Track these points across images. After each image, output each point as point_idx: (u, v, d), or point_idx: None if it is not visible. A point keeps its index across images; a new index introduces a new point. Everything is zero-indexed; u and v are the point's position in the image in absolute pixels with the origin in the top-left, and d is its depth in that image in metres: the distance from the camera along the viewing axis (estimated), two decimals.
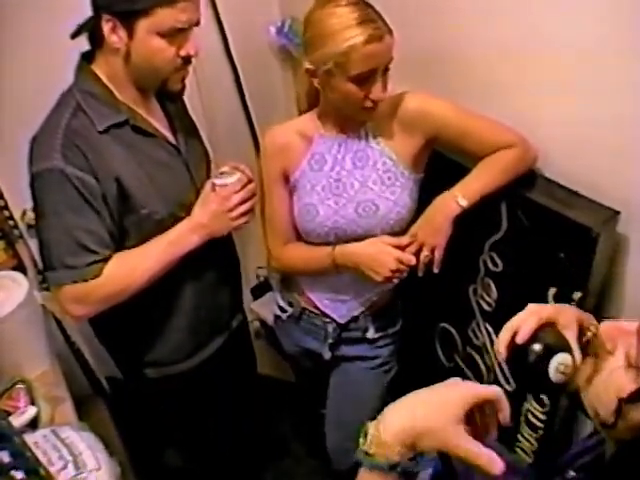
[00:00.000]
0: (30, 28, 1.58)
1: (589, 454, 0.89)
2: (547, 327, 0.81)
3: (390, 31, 1.21)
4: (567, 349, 0.78)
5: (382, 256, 1.32)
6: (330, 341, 1.58)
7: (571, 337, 0.81)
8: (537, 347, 0.78)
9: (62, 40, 1.26)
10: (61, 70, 1.28)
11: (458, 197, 1.29)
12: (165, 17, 1.18)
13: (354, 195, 1.37)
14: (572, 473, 0.88)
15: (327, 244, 1.41)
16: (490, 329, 1.54)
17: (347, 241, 1.39)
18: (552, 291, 1.31)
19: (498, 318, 1.50)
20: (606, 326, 0.78)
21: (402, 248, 1.34)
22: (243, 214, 1.38)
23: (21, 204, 1.72)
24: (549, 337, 0.80)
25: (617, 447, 0.76)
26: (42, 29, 1.51)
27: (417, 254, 1.34)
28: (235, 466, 1.88)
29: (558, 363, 0.76)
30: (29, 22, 1.58)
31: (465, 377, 1.71)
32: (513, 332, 0.82)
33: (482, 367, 1.62)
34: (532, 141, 1.30)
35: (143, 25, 1.19)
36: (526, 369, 0.80)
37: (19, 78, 1.59)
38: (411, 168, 1.37)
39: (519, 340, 0.80)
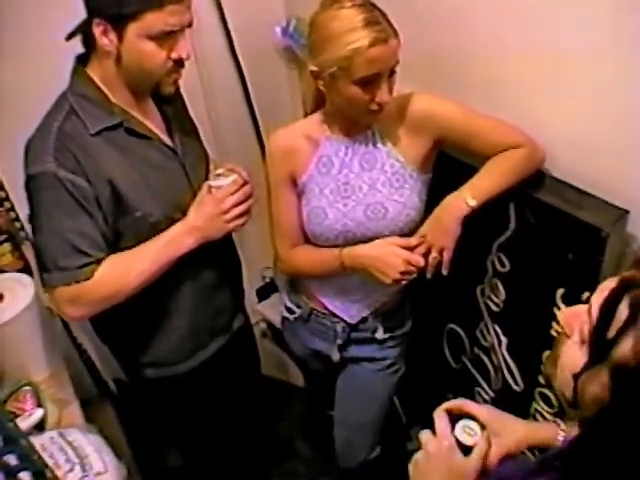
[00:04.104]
0: (31, 29, 1.57)
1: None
2: None
3: (396, 33, 1.19)
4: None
5: (391, 258, 1.31)
6: (339, 342, 1.57)
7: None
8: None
9: (65, 41, 1.26)
10: (66, 71, 1.28)
11: (467, 197, 1.28)
12: (154, 21, 1.17)
13: (363, 198, 1.36)
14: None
15: (336, 247, 1.40)
16: (498, 330, 1.53)
17: (356, 244, 1.38)
18: (560, 292, 1.30)
19: (506, 319, 1.50)
20: (564, 313, 0.83)
21: (411, 249, 1.33)
22: (238, 216, 1.36)
23: (27, 206, 1.71)
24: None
25: (580, 431, 0.80)
26: (43, 30, 1.50)
27: (425, 255, 1.33)
28: (240, 467, 1.87)
29: (463, 425, 0.96)
30: (29, 23, 1.58)
31: (472, 378, 1.70)
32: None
33: (490, 368, 1.62)
34: (540, 141, 1.30)
35: (133, 29, 1.18)
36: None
37: (24, 80, 1.59)
38: (419, 169, 1.36)
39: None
